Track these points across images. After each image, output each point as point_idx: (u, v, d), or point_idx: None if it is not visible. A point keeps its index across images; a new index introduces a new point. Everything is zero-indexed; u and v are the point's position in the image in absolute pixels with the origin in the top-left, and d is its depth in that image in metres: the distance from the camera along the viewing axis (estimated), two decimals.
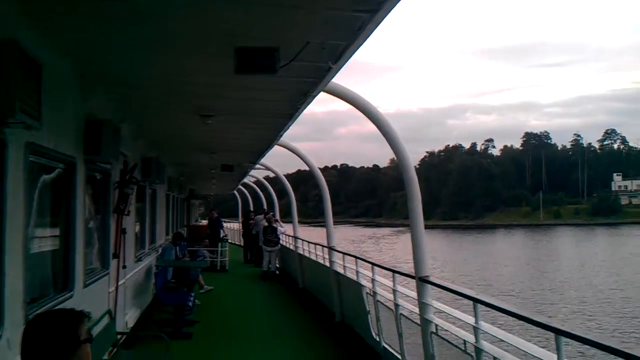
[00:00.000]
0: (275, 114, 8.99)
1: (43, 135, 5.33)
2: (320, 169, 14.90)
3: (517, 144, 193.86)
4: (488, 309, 6.04)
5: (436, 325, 7.17)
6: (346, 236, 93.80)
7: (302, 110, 8.58)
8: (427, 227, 7.90)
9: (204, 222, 32.53)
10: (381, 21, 4.67)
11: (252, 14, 4.75)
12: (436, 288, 7.51)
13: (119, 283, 9.63)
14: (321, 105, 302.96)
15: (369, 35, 5.01)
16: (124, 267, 10.09)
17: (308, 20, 4.79)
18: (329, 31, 4.96)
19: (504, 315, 5.76)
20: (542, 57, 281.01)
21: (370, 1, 4.27)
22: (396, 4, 4.36)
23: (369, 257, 11.89)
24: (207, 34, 5.29)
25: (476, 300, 5.99)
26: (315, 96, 7.37)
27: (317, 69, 6.00)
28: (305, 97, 7.42)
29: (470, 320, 6.10)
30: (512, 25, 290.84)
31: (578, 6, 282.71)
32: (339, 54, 5.43)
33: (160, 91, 8.02)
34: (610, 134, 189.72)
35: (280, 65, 5.19)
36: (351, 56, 5.55)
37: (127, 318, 10.68)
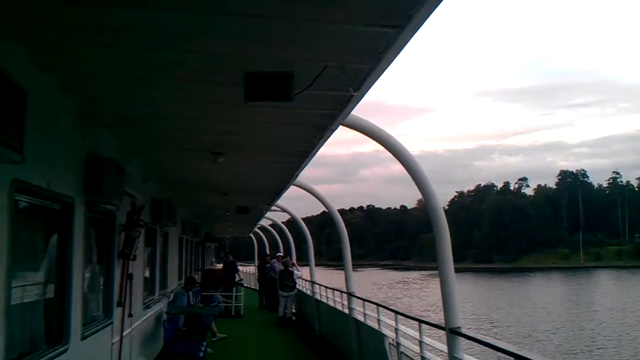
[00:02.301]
0: (290, 151, 8.45)
1: (34, 172, 4.84)
2: (346, 210, 14.41)
3: (548, 184, 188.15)
4: None
5: None
6: (374, 280, 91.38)
7: (319, 147, 8.03)
8: (458, 270, 7.22)
9: (219, 265, 31.91)
10: (409, 40, 4.13)
11: (264, 35, 4.24)
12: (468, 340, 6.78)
13: (125, 333, 9.01)
14: (344, 147, 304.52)
15: (394, 58, 4.47)
16: (130, 315, 9.47)
17: (326, 40, 4.26)
18: (350, 53, 4.43)
19: None
20: (568, 97, 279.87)
21: (397, 15, 3.72)
22: (427, 18, 3.83)
23: (392, 304, 11.13)
24: (215, 59, 4.78)
25: (518, 357, 5.28)
26: (334, 130, 6.81)
27: (336, 98, 5.46)
28: (323, 131, 6.86)
29: None
30: (533, 66, 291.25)
31: (601, 46, 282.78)
32: (362, 79, 4.88)
33: (168, 128, 7.52)
34: None
35: (295, 92, 4.64)
36: (374, 83, 5.01)
37: None
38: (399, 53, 4.39)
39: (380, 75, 4.81)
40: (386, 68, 4.65)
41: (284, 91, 4.58)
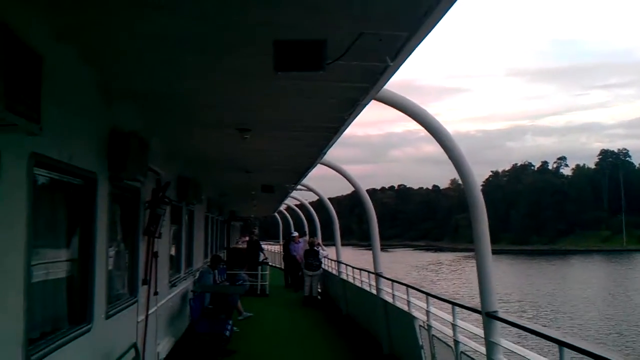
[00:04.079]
0: (318, 128, 8.17)
1: (54, 146, 4.63)
2: (376, 190, 14.00)
3: (586, 164, 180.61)
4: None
5: None
6: (408, 261, 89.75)
7: (349, 123, 7.74)
8: (494, 252, 6.89)
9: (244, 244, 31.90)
10: (453, 3, 3.80)
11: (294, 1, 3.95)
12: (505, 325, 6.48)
13: (150, 311, 8.90)
14: (376, 127, 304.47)
15: (435, 24, 4.14)
16: (156, 293, 9.36)
17: (362, 4, 3.95)
18: (388, 18, 4.11)
19: None
20: (602, 78, 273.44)
21: None
22: None
23: (425, 287, 10.84)
24: (242, 28, 4.49)
25: (563, 344, 4.98)
26: (366, 105, 6.51)
27: (369, 69, 5.14)
28: (353, 106, 6.56)
29: None
30: (566, 45, 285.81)
31: (636, 26, 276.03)
32: (398, 48, 4.56)
33: (193, 103, 7.26)
34: None
35: (327, 62, 4.35)
36: (411, 52, 4.68)
37: (160, 349, 9.93)
38: (440, 19, 4.07)
39: (418, 44, 4.48)
40: (425, 36, 4.32)
41: (316, 60, 4.30)
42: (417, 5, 3.87)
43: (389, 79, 5.53)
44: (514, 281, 60.87)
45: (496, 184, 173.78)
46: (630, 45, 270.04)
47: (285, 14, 4.19)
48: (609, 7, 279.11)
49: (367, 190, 13.78)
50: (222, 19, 4.34)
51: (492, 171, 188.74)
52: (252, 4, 4.07)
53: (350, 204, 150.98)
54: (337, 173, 13.28)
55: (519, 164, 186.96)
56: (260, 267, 23.38)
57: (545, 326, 21.87)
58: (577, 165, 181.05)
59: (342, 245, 19.75)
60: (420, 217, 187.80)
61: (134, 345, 7.20)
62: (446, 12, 3.98)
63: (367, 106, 6.71)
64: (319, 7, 4.05)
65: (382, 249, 13.18)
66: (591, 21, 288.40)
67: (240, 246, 30.63)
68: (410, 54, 4.70)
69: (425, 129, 6.73)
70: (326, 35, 4.31)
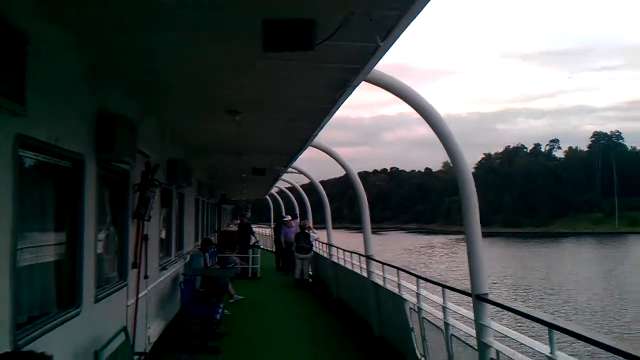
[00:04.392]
0: (309, 109, 8.10)
1: (40, 127, 4.55)
2: (369, 173, 13.95)
3: (577, 147, 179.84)
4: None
5: (497, 350, 6.18)
6: (400, 244, 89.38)
7: (339, 105, 7.68)
8: (487, 234, 6.90)
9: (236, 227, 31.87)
10: None
11: None
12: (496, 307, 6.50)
13: (140, 295, 8.84)
14: (368, 110, 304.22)
15: (426, 3, 4.09)
16: (146, 277, 9.32)
17: None
18: None
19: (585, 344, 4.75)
20: (593, 61, 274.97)
21: None
22: None
23: (418, 270, 10.84)
24: (230, 7, 4.41)
25: (552, 327, 4.98)
26: (356, 86, 6.45)
27: (360, 49, 5.08)
28: (344, 87, 6.50)
29: (544, 349, 5.09)
30: (556, 29, 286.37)
31: (629, 9, 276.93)
32: (389, 28, 4.49)
33: (183, 84, 7.19)
34: None
35: (317, 42, 4.29)
36: (403, 32, 4.62)
37: (150, 332, 9.89)
38: None
39: (410, 23, 4.42)
40: (416, 15, 4.26)
41: (306, 40, 4.25)
42: None
43: (379, 60, 5.47)
44: (509, 264, 60.95)
45: (489, 167, 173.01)
46: (620, 29, 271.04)
47: None
48: None
49: (359, 173, 13.76)
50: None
51: (484, 154, 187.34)
52: None
53: (342, 187, 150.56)
54: (329, 156, 13.24)
55: (511, 147, 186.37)
56: (251, 250, 23.38)
57: (537, 308, 21.92)
58: (570, 148, 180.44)
59: (335, 228, 19.76)
60: (412, 200, 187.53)
61: (124, 329, 7.15)
62: None
63: (359, 88, 6.66)
64: None
65: (374, 232, 13.20)
66: (582, 5, 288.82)
67: (232, 229, 30.60)
68: (400, 34, 4.65)
69: (416, 110, 6.68)
70: (316, 14, 4.24)
